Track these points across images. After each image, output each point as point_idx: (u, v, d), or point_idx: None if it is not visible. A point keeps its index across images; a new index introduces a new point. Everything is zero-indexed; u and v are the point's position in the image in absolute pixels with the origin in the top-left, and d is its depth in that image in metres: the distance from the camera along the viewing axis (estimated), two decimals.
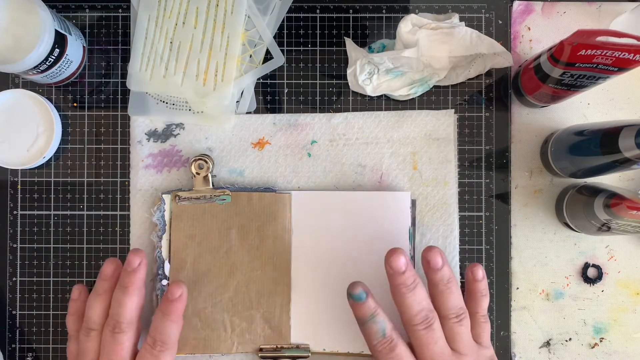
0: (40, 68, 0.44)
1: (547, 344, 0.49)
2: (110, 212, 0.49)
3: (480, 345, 0.42)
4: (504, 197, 0.49)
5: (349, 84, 0.48)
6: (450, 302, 0.41)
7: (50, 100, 0.49)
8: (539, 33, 0.49)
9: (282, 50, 0.49)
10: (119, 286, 0.42)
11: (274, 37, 0.49)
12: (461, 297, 0.42)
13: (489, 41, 0.47)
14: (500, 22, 0.50)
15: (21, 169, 0.49)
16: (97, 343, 0.42)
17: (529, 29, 0.49)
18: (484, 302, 0.44)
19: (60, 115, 0.49)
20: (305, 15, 0.50)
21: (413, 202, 0.48)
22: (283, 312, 0.46)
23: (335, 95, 0.49)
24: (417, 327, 0.40)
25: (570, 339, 0.49)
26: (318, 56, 0.49)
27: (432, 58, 0.47)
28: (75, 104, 0.50)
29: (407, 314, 0.40)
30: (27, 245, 0.49)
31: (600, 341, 0.49)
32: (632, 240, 0.49)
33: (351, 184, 0.48)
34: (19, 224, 0.49)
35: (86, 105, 0.49)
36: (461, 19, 0.48)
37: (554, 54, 0.39)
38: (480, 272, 0.44)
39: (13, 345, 0.49)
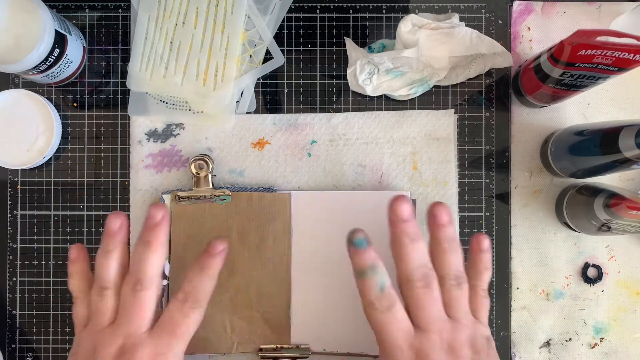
0: (40, 68, 0.44)
1: (547, 344, 0.49)
2: (110, 212, 0.49)
3: (477, 320, 0.39)
4: (504, 197, 0.49)
5: (349, 84, 0.48)
6: (452, 263, 0.38)
7: (50, 100, 0.49)
8: (539, 33, 0.49)
9: (282, 50, 0.49)
10: (140, 241, 0.39)
11: (274, 37, 0.49)
12: (462, 262, 0.39)
13: (489, 41, 0.47)
14: (500, 22, 0.50)
15: (21, 169, 0.49)
16: (113, 302, 0.38)
17: (529, 29, 0.50)
18: (486, 276, 0.40)
19: (60, 115, 0.49)
20: (305, 15, 0.50)
21: (413, 202, 0.48)
22: (283, 312, 0.46)
23: (335, 95, 0.49)
24: (415, 283, 0.37)
25: (570, 339, 0.49)
26: (318, 56, 0.50)
27: (432, 58, 0.47)
28: (75, 104, 0.50)
29: (405, 268, 0.38)
30: (27, 245, 0.49)
31: (600, 341, 0.49)
32: (632, 240, 0.49)
33: (351, 184, 0.48)
34: (19, 224, 0.49)
35: (86, 105, 0.49)
36: (461, 19, 0.48)
37: (554, 54, 0.39)
38: (486, 241, 0.40)
39: (13, 345, 0.49)
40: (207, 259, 0.39)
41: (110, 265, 0.39)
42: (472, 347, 0.38)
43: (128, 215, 0.39)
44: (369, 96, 0.49)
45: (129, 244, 0.43)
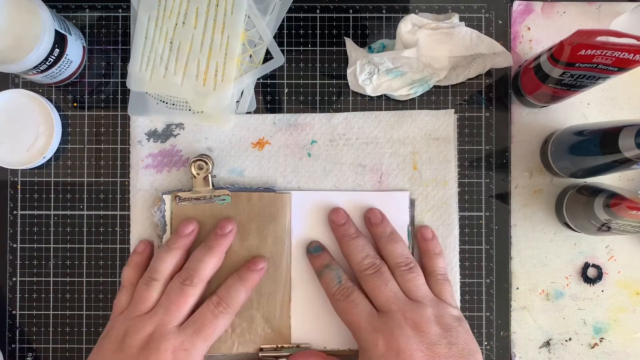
0: (40, 68, 0.44)
1: (547, 344, 0.49)
2: (110, 212, 0.49)
3: (441, 300, 0.42)
4: (504, 197, 0.49)
5: (349, 84, 0.48)
6: (396, 251, 0.43)
7: (50, 100, 0.49)
8: (539, 33, 0.49)
9: (282, 50, 0.49)
10: (204, 245, 0.43)
11: (274, 37, 0.49)
12: (407, 248, 0.44)
13: (489, 41, 0.47)
14: (500, 22, 0.50)
15: (21, 169, 0.49)
16: (158, 293, 0.41)
17: (529, 29, 0.50)
18: (439, 260, 0.45)
19: (60, 115, 0.49)
20: (305, 15, 0.50)
21: (412, 202, 0.48)
22: (283, 311, 0.46)
23: (335, 95, 0.49)
24: (365, 272, 0.42)
25: (570, 339, 0.49)
26: (318, 56, 0.50)
27: (432, 58, 0.47)
28: (75, 104, 0.50)
29: (354, 262, 0.43)
30: (27, 245, 0.49)
31: (600, 341, 0.49)
32: (632, 240, 0.49)
33: (351, 184, 0.48)
34: (19, 224, 0.49)
35: (86, 105, 0.49)
36: (461, 19, 0.48)
37: (554, 54, 0.39)
38: (428, 231, 0.46)
39: (13, 345, 0.49)
40: (247, 272, 0.43)
41: (169, 260, 0.42)
42: (439, 324, 0.40)
43: (198, 224, 0.45)
44: (369, 96, 0.49)
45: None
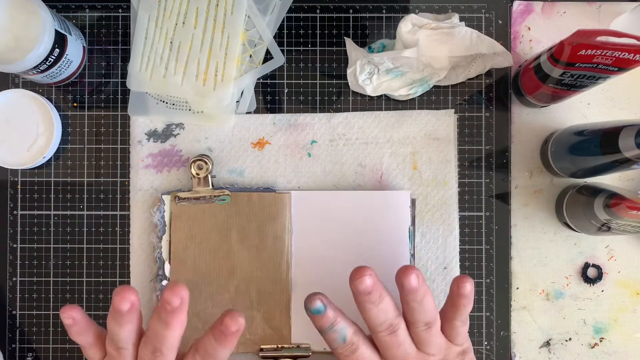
0: (40, 68, 0.44)
1: (547, 344, 0.49)
2: (110, 212, 0.49)
3: (451, 343, 0.41)
4: (504, 197, 0.49)
5: (349, 84, 0.48)
6: (421, 316, 0.39)
7: (50, 100, 0.49)
8: (539, 33, 0.49)
9: (282, 50, 0.49)
10: (157, 319, 0.37)
11: (274, 37, 0.49)
12: (435, 308, 0.40)
13: (489, 41, 0.47)
14: (500, 22, 0.50)
15: (21, 169, 0.49)
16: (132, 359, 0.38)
17: (529, 29, 0.50)
18: (465, 310, 0.41)
19: (60, 115, 0.49)
20: (305, 15, 0.50)
21: (413, 202, 0.48)
22: (283, 312, 0.46)
23: (335, 95, 0.49)
24: (380, 333, 0.40)
25: (570, 339, 0.49)
26: (318, 56, 0.49)
27: (432, 58, 0.47)
28: (75, 104, 0.50)
29: (371, 324, 0.40)
30: (27, 245, 0.49)
31: (600, 341, 0.49)
32: (632, 240, 0.49)
33: (351, 184, 0.48)
34: (19, 224, 0.49)
35: (86, 105, 0.49)
36: (461, 19, 0.48)
37: (554, 54, 0.39)
38: (467, 286, 0.40)
39: (13, 345, 0.49)
40: (221, 337, 0.38)
41: (125, 330, 0.37)
42: None
43: (135, 292, 0.37)
44: (369, 96, 0.49)
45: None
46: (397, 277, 0.40)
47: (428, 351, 0.40)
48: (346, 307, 0.47)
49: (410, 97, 0.49)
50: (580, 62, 0.38)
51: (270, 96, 0.49)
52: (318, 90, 0.49)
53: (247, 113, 0.49)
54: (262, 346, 0.46)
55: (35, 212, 0.49)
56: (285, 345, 0.46)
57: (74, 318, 0.38)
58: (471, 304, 0.40)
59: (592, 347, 0.49)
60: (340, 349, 0.40)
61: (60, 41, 0.44)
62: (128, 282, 0.48)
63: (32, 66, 0.43)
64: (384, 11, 0.50)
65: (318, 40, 0.50)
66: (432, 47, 0.46)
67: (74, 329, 0.38)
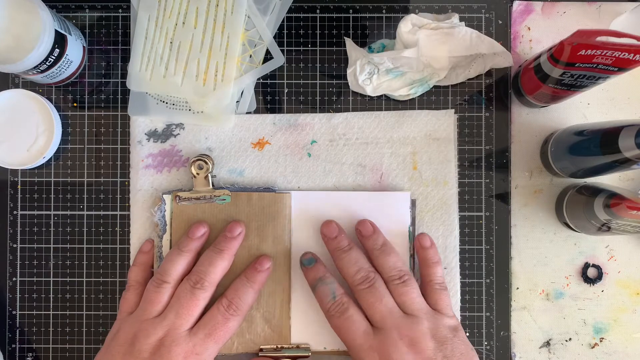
0: (40, 68, 0.44)
1: (547, 344, 0.49)
2: (110, 212, 0.49)
3: (438, 312, 0.41)
4: (504, 197, 0.49)
5: (349, 84, 0.48)
6: (388, 263, 0.42)
7: (50, 100, 0.49)
8: (539, 33, 0.49)
9: (282, 50, 0.49)
10: (214, 247, 0.43)
11: (274, 37, 0.49)
12: (400, 260, 0.43)
13: (489, 41, 0.47)
14: (500, 22, 0.50)
15: (21, 169, 0.49)
16: (168, 296, 0.41)
17: (529, 29, 0.50)
18: (437, 269, 0.44)
19: (60, 115, 0.49)
20: (305, 15, 0.50)
21: (413, 202, 0.48)
22: (283, 311, 0.46)
23: (335, 95, 0.49)
24: (359, 287, 0.41)
25: (570, 339, 0.49)
26: (318, 56, 0.50)
27: (432, 58, 0.47)
28: (75, 104, 0.50)
29: (347, 276, 0.42)
30: (27, 245, 0.49)
31: (600, 341, 0.49)
32: (632, 240, 0.49)
33: (351, 184, 0.48)
34: (19, 224, 0.49)
35: (86, 105, 0.49)
36: (461, 19, 0.48)
37: (554, 54, 0.39)
38: (427, 239, 0.45)
39: (13, 345, 0.49)
40: (254, 273, 0.43)
41: (180, 262, 0.42)
42: (434, 338, 0.39)
43: (209, 227, 0.45)
44: (369, 96, 0.49)
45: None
46: (355, 227, 0.45)
47: (414, 312, 0.40)
48: None
49: (410, 97, 0.49)
50: (580, 62, 0.38)
51: (270, 96, 0.49)
52: (318, 90, 0.49)
53: (247, 113, 0.49)
54: (262, 346, 0.46)
55: (35, 212, 0.49)
56: (285, 346, 0.46)
57: (151, 247, 0.45)
58: (440, 262, 0.44)
59: (592, 347, 0.49)
60: (332, 308, 0.41)
61: (60, 41, 0.44)
62: None
63: (32, 66, 0.43)
64: (384, 11, 0.50)
65: (318, 40, 0.50)
66: (432, 47, 0.46)
67: (144, 257, 0.45)
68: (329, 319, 0.42)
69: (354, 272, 0.42)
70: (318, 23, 0.50)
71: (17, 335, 0.49)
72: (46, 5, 0.43)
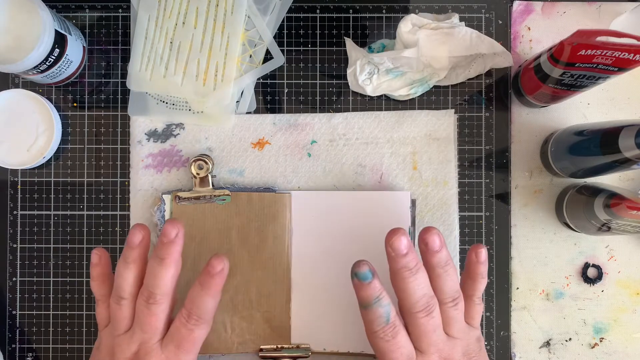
0: (40, 68, 0.44)
1: (547, 344, 0.49)
2: (110, 212, 0.49)
3: (471, 326, 0.41)
4: (504, 197, 0.49)
5: (349, 84, 0.48)
6: (448, 286, 0.39)
7: (50, 100, 0.49)
8: (539, 33, 0.49)
9: (282, 50, 0.49)
10: (154, 256, 0.40)
11: (274, 37, 0.49)
12: (457, 280, 0.40)
13: (489, 41, 0.47)
14: (500, 22, 0.50)
15: (21, 169, 0.49)
16: (130, 311, 0.40)
17: (529, 29, 0.50)
18: (482, 285, 0.41)
19: (60, 115, 0.49)
20: (305, 15, 0.50)
21: (413, 202, 0.48)
22: (283, 312, 0.46)
23: (335, 95, 0.49)
24: (418, 314, 0.38)
25: (570, 339, 0.49)
26: (318, 56, 0.50)
27: (432, 58, 0.47)
28: (75, 104, 0.50)
29: (408, 301, 0.38)
30: (27, 245, 0.49)
31: (600, 341, 0.49)
32: (632, 240, 0.49)
33: (351, 184, 0.48)
34: (19, 224, 0.49)
35: (86, 105, 0.49)
36: (461, 19, 0.48)
37: (554, 54, 0.39)
38: (483, 253, 0.41)
39: (13, 345, 0.49)
40: (206, 278, 0.40)
41: (128, 276, 0.40)
42: (465, 354, 0.40)
43: (148, 229, 0.41)
44: (369, 96, 0.49)
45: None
46: (420, 236, 0.40)
47: (454, 334, 0.39)
48: (347, 307, 0.47)
49: (410, 97, 0.49)
50: (580, 62, 0.38)
51: (270, 96, 0.49)
52: (318, 90, 0.49)
53: (247, 113, 0.49)
54: (262, 346, 0.46)
55: (35, 212, 0.49)
56: (285, 346, 0.46)
57: (100, 256, 0.42)
58: (486, 278, 0.41)
59: (592, 347, 0.49)
60: (382, 330, 0.38)
61: (60, 41, 0.44)
62: None
63: (32, 66, 0.43)
64: (384, 11, 0.50)
65: (318, 40, 0.50)
66: (432, 47, 0.46)
67: (97, 270, 0.42)
68: (373, 339, 0.39)
69: (418, 299, 0.38)
70: (318, 23, 0.50)
71: (17, 335, 0.49)
72: (46, 5, 0.43)
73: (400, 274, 0.38)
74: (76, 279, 0.49)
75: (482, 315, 0.48)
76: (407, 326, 0.39)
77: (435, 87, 0.49)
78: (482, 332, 0.48)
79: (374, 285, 0.38)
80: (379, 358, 0.39)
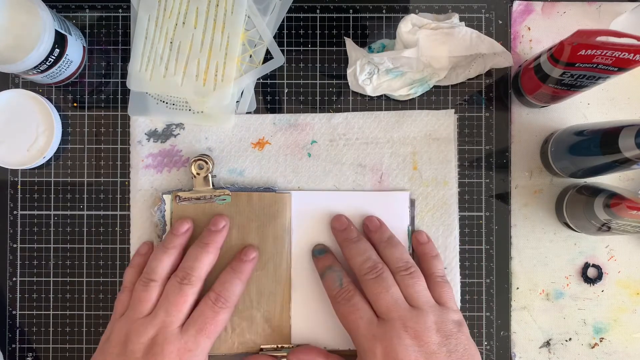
0: (41, 68, 0.44)
1: (547, 344, 0.49)
2: (110, 212, 0.49)
3: (443, 305, 0.41)
4: (504, 197, 0.49)
5: (349, 84, 0.48)
6: (395, 255, 0.43)
7: (50, 100, 0.49)
8: (539, 33, 0.49)
9: (282, 50, 0.49)
10: (199, 242, 0.43)
11: (274, 37, 0.49)
12: (407, 252, 0.44)
13: (489, 41, 0.47)
14: (500, 22, 0.50)
15: (21, 169, 0.49)
16: (157, 294, 0.41)
17: (529, 29, 0.50)
18: (437, 262, 0.45)
19: (60, 115, 0.49)
20: (305, 15, 0.50)
21: (412, 202, 0.48)
22: (283, 311, 0.46)
23: (335, 95, 0.50)
24: (366, 276, 0.41)
25: (570, 339, 0.49)
26: (318, 56, 0.50)
27: (432, 58, 0.47)
28: (75, 104, 0.50)
29: (355, 265, 0.42)
30: (27, 245, 0.49)
31: (600, 341, 0.49)
32: (632, 240, 0.49)
33: (351, 184, 0.48)
34: (19, 224, 0.49)
35: (86, 105, 0.49)
36: (461, 19, 0.48)
37: (554, 54, 0.39)
38: (423, 235, 0.46)
39: (13, 345, 0.49)
40: (240, 264, 0.43)
41: (165, 260, 0.42)
42: (439, 332, 0.39)
43: (192, 222, 0.46)
44: (369, 96, 0.49)
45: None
46: (363, 223, 0.46)
47: (420, 305, 0.40)
48: None
49: (410, 97, 0.49)
50: (580, 62, 0.38)
51: (270, 96, 0.49)
52: (318, 90, 0.49)
53: (247, 113, 0.49)
54: (262, 346, 0.46)
55: (35, 212, 0.49)
56: (285, 345, 0.46)
57: (148, 248, 0.45)
58: (439, 257, 0.45)
59: (592, 347, 0.49)
60: (339, 294, 0.42)
61: (60, 41, 0.44)
62: None
63: (32, 66, 0.43)
64: (384, 11, 0.50)
65: (318, 40, 0.50)
66: (432, 47, 0.46)
67: (141, 259, 0.45)
68: (334, 305, 0.43)
69: (362, 262, 0.42)
70: (318, 23, 0.50)
71: (17, 335, 0.49)
72: (46, 5, 0.43)
73: (344, 244, 0.44)
74: (76, 279, 0.49)
75: (482, 315, 0.49)
76: (364, 294, 0.42)
77: (435, 87, 0.49)
78: (482, 332, 0.48)
79: (326, 256, 0.45)
80: (342, 324, 0.42)
